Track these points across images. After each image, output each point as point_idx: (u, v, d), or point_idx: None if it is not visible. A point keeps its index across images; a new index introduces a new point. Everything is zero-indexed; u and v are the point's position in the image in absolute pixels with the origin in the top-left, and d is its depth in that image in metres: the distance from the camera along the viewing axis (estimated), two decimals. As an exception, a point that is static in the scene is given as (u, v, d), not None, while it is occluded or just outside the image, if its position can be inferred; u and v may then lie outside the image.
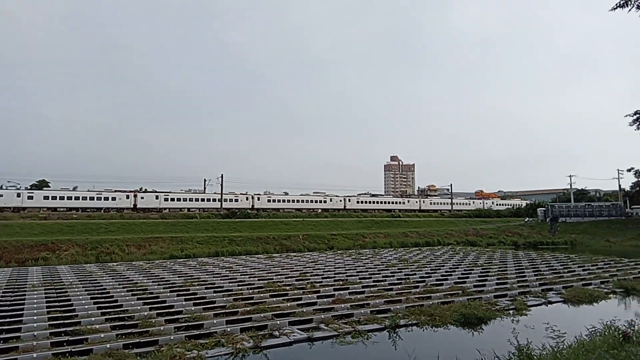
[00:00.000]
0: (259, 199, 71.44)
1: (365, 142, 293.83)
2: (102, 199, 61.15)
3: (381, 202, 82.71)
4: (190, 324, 11.67)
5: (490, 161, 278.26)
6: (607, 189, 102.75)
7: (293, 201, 75.00)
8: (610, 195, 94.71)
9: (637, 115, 45.32)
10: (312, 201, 76.75)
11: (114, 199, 61.72)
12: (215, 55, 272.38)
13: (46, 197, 57.37)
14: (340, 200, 76.30)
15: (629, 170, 64.95)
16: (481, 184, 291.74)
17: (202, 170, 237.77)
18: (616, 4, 8.82)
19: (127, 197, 62.79)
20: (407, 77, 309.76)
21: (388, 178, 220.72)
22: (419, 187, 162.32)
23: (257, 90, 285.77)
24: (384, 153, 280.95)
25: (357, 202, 77.43)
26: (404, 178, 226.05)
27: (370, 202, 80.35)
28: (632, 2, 8.72)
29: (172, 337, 10.52)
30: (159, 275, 21.37)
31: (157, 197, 64.53)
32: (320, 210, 72.29)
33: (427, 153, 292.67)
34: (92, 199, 60.41)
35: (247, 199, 70.15)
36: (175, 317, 12.50)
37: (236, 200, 68.46)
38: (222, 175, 62.81)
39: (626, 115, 46.32)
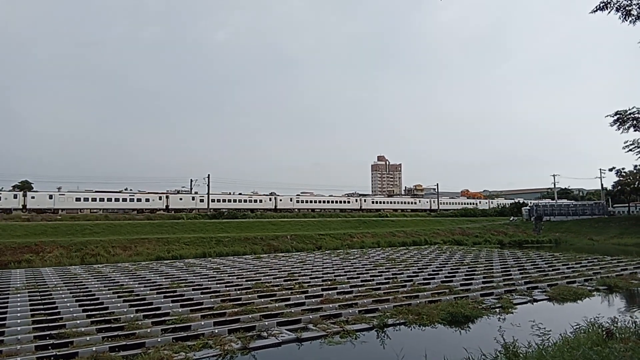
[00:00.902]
0: (365, 200, 79.95)
1: (352, 142, 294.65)
2: (252, 201, 68.06)
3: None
4: (177, 325, 11.58)
5: (477, 161, 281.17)
6: (590, 188, 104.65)
7: (390, 202, 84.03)
8: (593, 194, 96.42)
9: (618, 116, 46.11)
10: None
11: (260, 200, 68.54)
12: (200, 54, 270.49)
13: (213, 200, 63.79)
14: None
15: (610, 170, 66.23)
16: (467, 183, 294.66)
17: (187, 171, 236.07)
18: (596, 7, 8.97)
19: (270, 199, 70.20)
20: (393, 77, 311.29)
21: (375, 178, 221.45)
22: (405, 187, 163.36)
23: (244, 90, 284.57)
24: (372, 153, 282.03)
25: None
26: (391, 178, 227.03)
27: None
28: (612, 5, 8.87)
29: (159, 339, 10.43)
30: (145, 277, 21.17)
31: (290, 199, 72.44)
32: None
33: (414, 153, 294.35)
34: (245, 201, 67.35)
35: (356, 200, 79.05)
36: (162, 319, 12.39)
37: (348, 202, 77.81)
38: (208, 175, 62.42)
39: (607, 116, 47.09)
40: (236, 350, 9.96)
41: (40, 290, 17.63)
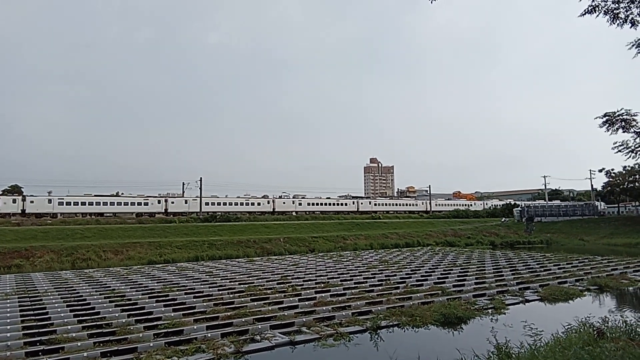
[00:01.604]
0: (436, 205, 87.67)
1: (345, 144, 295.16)
2: (339, 204, 76.50)
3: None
4: (169, 330, 11.50)
5: (468, 162, 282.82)
6: (580, 189, 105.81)
7: (450, 205, 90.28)
8: (583, 194, 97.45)
9: (607, 117, 46.49)
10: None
11: (345, 204, 76.61)
12: (192, 57, 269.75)
13: (309, 204, 73.99)
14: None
15: (600, 171, 66.85)
16: (459, 185, 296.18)
17: (178, 174, 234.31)
18: (585, 10, 9.01)
19: (353, 202, 78.09)
20: (384, 79, 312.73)
21: (368, 180, 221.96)
22: (398, 189, 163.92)
23: (236, 93, 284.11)
24: (364, 156, 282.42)
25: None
26: (384, 180, 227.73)
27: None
28: (600, 8, 8.93)
29: (151, 344, 10.35)
30: (137, 282, 21.01)
31: (369, 202, 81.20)
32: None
33: (406, 155, 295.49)
34: (325, 204, 75.66)
35: (422, 203, 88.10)
36: (155, 323, 12.31)
37: (416, 205, 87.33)
38: (200, 179, 62.17)
39: (596, 117, 47.42)
40: (229, 354, 9.91)
41: (30, 295, 17.42)
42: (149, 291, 17.94)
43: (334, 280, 20.13)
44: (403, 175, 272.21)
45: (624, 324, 9.45)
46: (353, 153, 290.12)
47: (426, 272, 22.66)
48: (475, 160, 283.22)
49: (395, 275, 21.59)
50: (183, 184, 72.48)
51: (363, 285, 18.72)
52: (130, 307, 14.74)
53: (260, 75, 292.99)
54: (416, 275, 21.52)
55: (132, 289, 18.72)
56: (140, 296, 16.73)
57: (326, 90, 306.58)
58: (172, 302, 15.55)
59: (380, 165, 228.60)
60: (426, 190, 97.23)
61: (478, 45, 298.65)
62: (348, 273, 22.57)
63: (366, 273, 22.46)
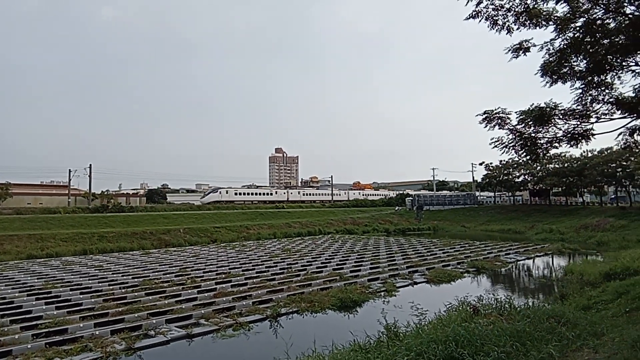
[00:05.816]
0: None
1: (249, 133, 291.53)
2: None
3: None
4: (51, 329, 10.59)
5: (366, 154, 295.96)
6: (464, 180, 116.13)
7: None
8: (465, 185, 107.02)
9: (486, 115, 51.49)
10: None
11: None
12: (84, 30, 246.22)
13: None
14: None
15: (480, 164, 73.42)
16: (358, 176, 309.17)
17: (64, 160, 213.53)
18: (469, 14, 9.79)
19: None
20: (289, 70, 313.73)
21: (273, 170, 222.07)
22: (302, 179, 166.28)
23: (132, 73, 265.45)
24: (269, 145, 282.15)
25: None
26: (289, 170, 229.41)
27: None
28: (482, 14, 9.76)
29: (29, 346, 9.45)
30: (13, 278, 18.89)
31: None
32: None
33: (310, 146, 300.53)
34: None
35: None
36: (34, 323, 11.25)
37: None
38: (90, 165, 57.40)
39: (477, 115, 52.35)
40: (120, 351, 9.41)
41: None
42: (28, 288, 16.25)
43: (236, 270, 19.95)
44: (307, 166, 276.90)
45: (495, 302, 10.64)
46: (258, 142, 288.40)
47: (326, 259, 23.41)
48: (373, 153, 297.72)
49: (296, 263, 22.00)
50: (69, 171, 66.19)
51: (265, 274, 18.81)
52: (5, 305, 13.23)
53: (162, 56, 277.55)
54: (317, 262, 22.14)
55: (8, 286, 16.82)
56: (17, 294, 15.11)
57: (232, 77, 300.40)
58: (55, 299, 14.28)
59: (285, 155, 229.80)
60: (328, 181, 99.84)
61: (376, 43, 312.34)
62: (250, 263, 22.49)
63: (268, 262, 22.57)
